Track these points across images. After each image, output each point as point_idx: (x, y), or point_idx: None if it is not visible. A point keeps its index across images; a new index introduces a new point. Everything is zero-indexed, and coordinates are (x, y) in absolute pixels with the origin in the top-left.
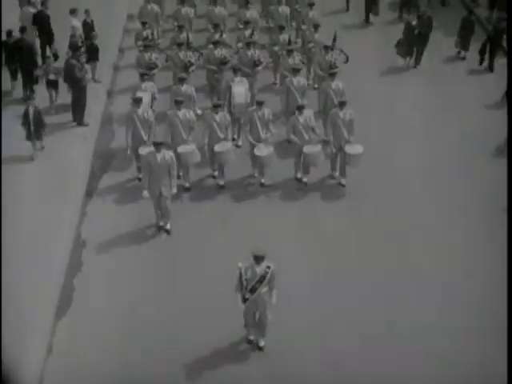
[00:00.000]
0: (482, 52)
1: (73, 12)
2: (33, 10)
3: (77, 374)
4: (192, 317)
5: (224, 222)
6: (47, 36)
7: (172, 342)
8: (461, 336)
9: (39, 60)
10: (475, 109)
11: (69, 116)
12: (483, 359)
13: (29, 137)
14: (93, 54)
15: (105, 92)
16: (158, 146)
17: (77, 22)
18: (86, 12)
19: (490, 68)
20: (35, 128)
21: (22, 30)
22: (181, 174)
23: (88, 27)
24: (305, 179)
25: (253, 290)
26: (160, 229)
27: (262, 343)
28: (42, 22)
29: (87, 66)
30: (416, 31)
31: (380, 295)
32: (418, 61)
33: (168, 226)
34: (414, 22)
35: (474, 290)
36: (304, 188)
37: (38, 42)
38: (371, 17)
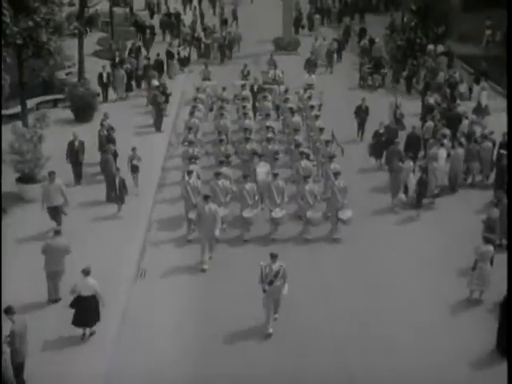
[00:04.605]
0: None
1: (154, 76)
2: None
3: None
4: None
5: (248, 263)
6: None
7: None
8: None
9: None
10: None
11: None
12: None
13: (116, 200)
14: (166, 97)
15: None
16: (206, 198)
17: (156, 82)
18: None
19: (409, 91)
20: (120, 193)
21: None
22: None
23: (163, 85)
24: (309, 236)
25: (270, 283)
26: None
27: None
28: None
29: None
30: (383, 138)
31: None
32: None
33: (205, 266)
34: (382, 131)
35: None
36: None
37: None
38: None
